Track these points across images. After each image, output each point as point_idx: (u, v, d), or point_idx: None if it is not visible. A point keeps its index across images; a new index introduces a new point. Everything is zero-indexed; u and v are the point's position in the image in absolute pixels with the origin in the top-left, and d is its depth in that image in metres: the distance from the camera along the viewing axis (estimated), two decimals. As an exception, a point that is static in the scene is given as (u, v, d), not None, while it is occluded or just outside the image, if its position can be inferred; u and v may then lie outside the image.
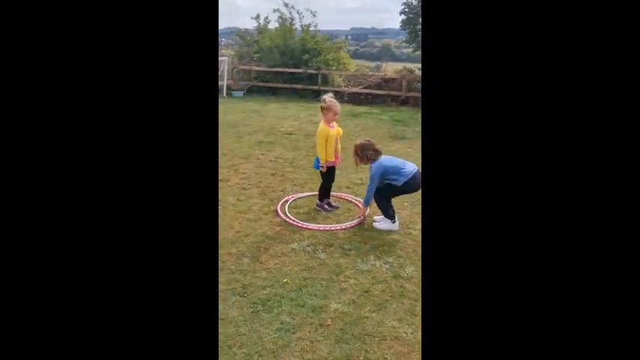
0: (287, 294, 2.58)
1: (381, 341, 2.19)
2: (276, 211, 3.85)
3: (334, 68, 12.19)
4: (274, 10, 12.69)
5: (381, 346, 2.16)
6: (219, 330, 2.20)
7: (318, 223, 3.63)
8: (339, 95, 9.99)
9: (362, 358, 2.07)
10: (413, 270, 2.91)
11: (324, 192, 3.99)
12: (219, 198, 4.01)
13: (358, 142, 3.70)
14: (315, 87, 11.55)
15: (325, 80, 11.88)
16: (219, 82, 11.15)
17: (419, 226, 3.55)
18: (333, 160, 3.90)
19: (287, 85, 11.93)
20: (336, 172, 4.11)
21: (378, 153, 3.59)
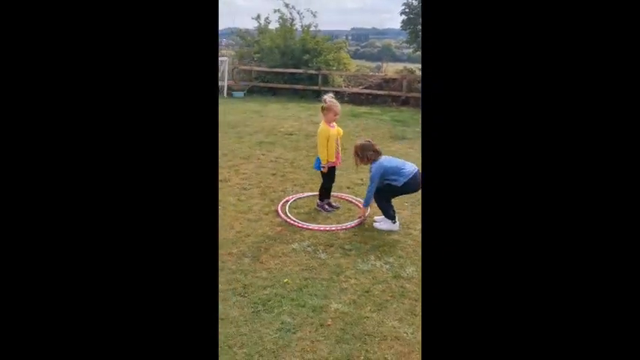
0: (288, 294, 2.58)
1: (381, 341, 2.20)
2: (277, 211, 3.85)
3: (335, 68, 12.19)
4: (275, 11, 12.72)
5: (381, 346, 2.16)
6: (220, 330, 2.20)
7: (319, 224, 3.63)
8: (339, 95, 10.00)
9: (362, 358, 2.08)
10: (413, 270, 2.91)
11: (325, 192, 3.99)
12: (220, 198, 4.01)
13: (358, 142, 3.71)
14: (316, 87, 11.56)
15: (326, 80, 11.88)
16: (220, 83, 11.16)
17: (419, 227, 3.55)
18: (334, 160, 3.91)
19: (287, 86, 11.94)
20: (337, 172, 4.11)
21: (378, 153, 3.60)
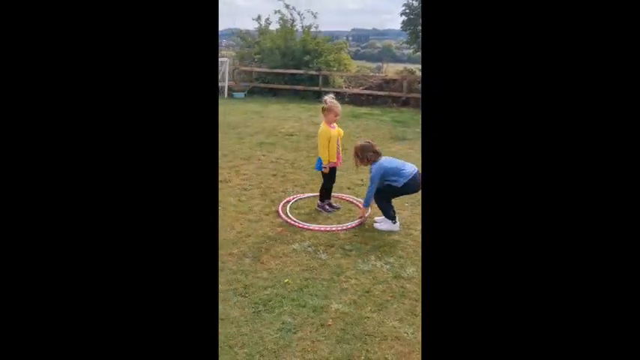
0: (288, 294, 2.58)
1: (381, 341, 2.20)
2: (278, 211, 3.86)
3: (335, 69, 12.19)
4: (275, 12, 12.74)
5: (381, 346, 2.16)
6: (221, 330, 2.20)
7: (319, 224, 3.64)
8: (340, 96, 10.00)
9: (363, 358, 2.08)
10: (414, 270, 2.91)
11: (325, 193, 4.00)
12: (221, 199, 4.02)
13: (358, 143, 3.71)
14: (316, 88, 11.56)
15: (326, 81, 11.89)
16: (221, 84, 11.17)
17: (419, 227, 3.55)
18: (335, 160, 3.91)
19: (288, 86, 11.94)
20: (337, 172, 4.12)
21: (378, 154, 3.60)
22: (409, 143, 6.81)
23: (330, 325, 2.31)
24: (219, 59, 10.64)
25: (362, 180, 4.64)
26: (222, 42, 16.91)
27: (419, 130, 7.63)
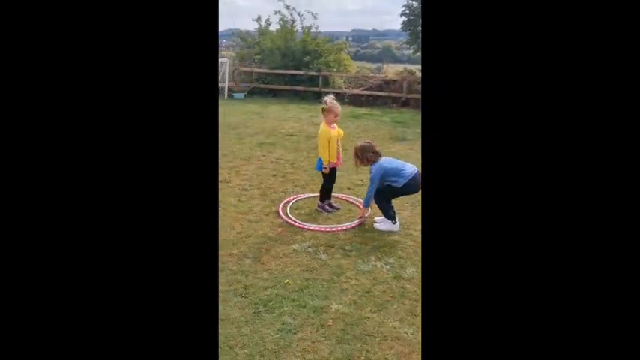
0: (288, 294, 2.58)
1: (382, 341, 2.20)
2: (278, 212, 3.86)
3: (335, 70, 12.20)
4: (275, 12, 12.74)
5: (382, 347, 2.16)
6: (221, 330, 2.20)
7: (320, 224, 3.64)
8: (340, 97, 10.00)
9: (363, 358, 2.08)
10: (414, 271, 2.91)
11: (325, 193, 4.00)
12: (221, 199, 4.02)
13: (358, 144, 3.72)
14: (316, 88, 11.57)
15: (326, 82, 11.89)
16: (221, 84, 11.17)
17: (419, 227, 3.56)
18: (336, 161, 3.92)
19: (288, 87, 11.95)
20: (337, 173, 4.12)
21: (377, 155, 3.61)
22: (409, 144, 6.82)
23: (330, 325, 2.31)
24: (219, 60, 10.64)
25: (362, 180, 4.64)
26: (222, 42, 16.92)
27: (419, 130, 7.64)
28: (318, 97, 10.71)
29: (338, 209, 4.00)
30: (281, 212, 3.83)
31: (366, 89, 11.56)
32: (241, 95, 11.74)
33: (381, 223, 3.61)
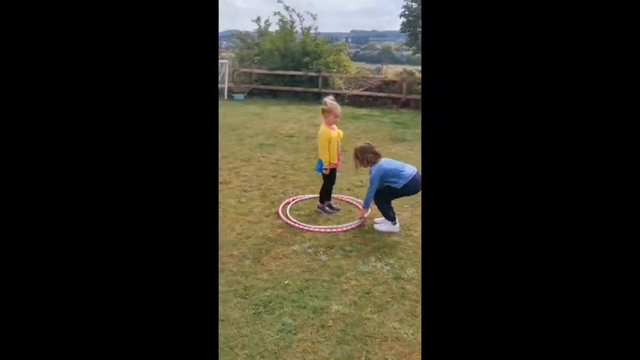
0: (288, 295, 2.59)
1: (382, 342, 2.20)
2: (278, 213, 3.86)
3: (335, 71, 12.21)
4: (275, 13, 12.75)
5: (382, 347, 2.16)
6: (221, 331, 2.20)
7: (319, 225, 3.64)
8: (339, 98, 9.99)
9: (363, 359, 2.08)
10: (413, 271, 2.92)
11: (325, 194, 4.00)
12: (221, 200, 4.02)
13: (358, 145, 3.72)
14: (316, 89, 11.58)
15: (326, 83, 11.90)
16: (220, 85, 11.17)
17: (419, 228, 3.56)
18: (336, 162, 3.92)
19: (288, 88, 11.95)
20: (337, 174, 4.12)
21: (377, 156, 3.61)
22: (409, 144, 6.82)
23: (330, 326, 2.31)
24: (219, 61, 10.65)
25: (362, 181, 4.64)
26: (222, 44, 16.91)
27: (418, 131, 7.64)
28: (317, 97, 10.72)
29: (338, 210, 4.00)
30: (281, 213, 3.83)
31: (365, 90, 11.56)
32: (241, 96, 11.74)
33: (381, 224, 3.62)
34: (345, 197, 4.32)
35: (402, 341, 2.21)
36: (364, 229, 3.62)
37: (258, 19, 12.97)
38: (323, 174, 3.91)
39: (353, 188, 4.61)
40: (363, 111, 10.21)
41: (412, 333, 2.27)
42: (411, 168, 3.58)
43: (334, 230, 3.53)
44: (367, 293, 2.65)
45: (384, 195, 3.58)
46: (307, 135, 7.23)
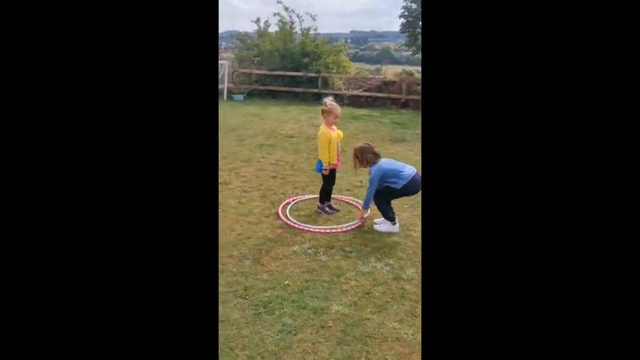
0: (288, 296, 2.59)
1: (382, 342, 2.20)
2: (277, 213, 3.86)
3: (334, 71, 12.21)
4: (274, 14, 12.75)
5: (382, 348, 2.16)
6: (221, 332, 2.20)
7: (319, 226, 3.64)
8: (339, 98, 10.00)
9: (363, 359, 2.08)
10: (413, 272, 2.92)
11: (325, 194, 4.00)
12: (221, 201, 4.02)
13: (358, 145, 3.72)
14: (316, 90, 11.58)
15: (325, 83, 11.90)
16: (220, 86, 11.17)
17: (419, 228, 3.56)
18: (335, 162, 3.92)
19: (287, 89, 11.96)
20: (337, 174, 4.12)
21: (377, 156, 3.61)
22: (408, 145, 6.82)
23: (330, 326, 2.31)
24: (219, 61, 10.65)
25: (361, 182, 4.64)
26: (222, 44, 16.90)
27: (418, 131, 7.65)
28: (317, 98, 10.73)
29: (338, 211, 4.00)
30: (281, 214, 3.83)
31: (365, 90, 11.57)
32: (240, 97, 11.75)
33: (381, 225, 3.62)
34: (344, 198, 4.33)
35: (401, 341, 2.21)
36: (364, 229, 3.62)
37: (257, 20, 13.00)
38: (323, 174, 3.91)
39: (353, 189, 4.61)
40: (362, 111, 10.21)
41: (412, 333, 2.28)
42: (411, 168, 3.58)
43: (334, 231, 3.53)
44: (367, 294, 2.65)
45: (384, 195, 3.58)
46: (307, 135, 7.23)
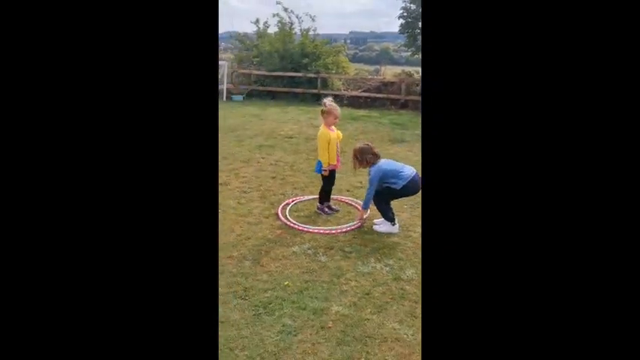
0: (288, 297, 2.58)
1: (381, 343, 2.20)
2: (277, 214, 3.86)
3: (333, 72, 12.22)
4: (274, 15, 12.76)
5: (382, 348, 2.16)
6: (221, 333, 2.20)
7: (319, 226, 3.64)
8: (338, 99, 10.01)
9: (363, 359, 2.09)
10: (413, 272, 2.92)
11: (325, 195, 4.01)
12: (220, 202, 4.02)
13: (357, 146, 3.73)
14: (315, 91, 11.59)
15: (325, 84, 11.91)
16: (219, 87, 11.17)
17: (419, 229, 3.56)
18: (335, 163, 3.93)
19: (287, 89, 11.96)
20: (336, 175, 4.12)
21: (376, 157, 3.61)
22: (408, 145, 6.82)
23: (330, 327, 2.31)
24: (218, 62, 10.64)
25: (361, 182, 4.64)
26: (221, 45, 16.91)
27: (417, 132, 7.66)
28: (316, 99, 10.73)
29: (337, 211, 4.00)
30: (280, 214, 3.83)
31: (364, 91, 11.57)
32: (240, 98, 11.75)
33: (380, 225, 3.62)
34: (344, 198, 4.33)
35: (401, 342, 2.21)
36: (363, 230, 3.62)
37: (257, 21, 13.00)
38: (322, 175, 3.91)
39: (352, 189, 4.61)
40: (361, 112, 10.21)
41: (412, 334, 2.27)
42: (410, 169, 3.58)
43: (334, 231, 3.53)
44: (367, 294, 2.65)
45: (384, 196, 3.58)
46: (306, 136, 7.23)
